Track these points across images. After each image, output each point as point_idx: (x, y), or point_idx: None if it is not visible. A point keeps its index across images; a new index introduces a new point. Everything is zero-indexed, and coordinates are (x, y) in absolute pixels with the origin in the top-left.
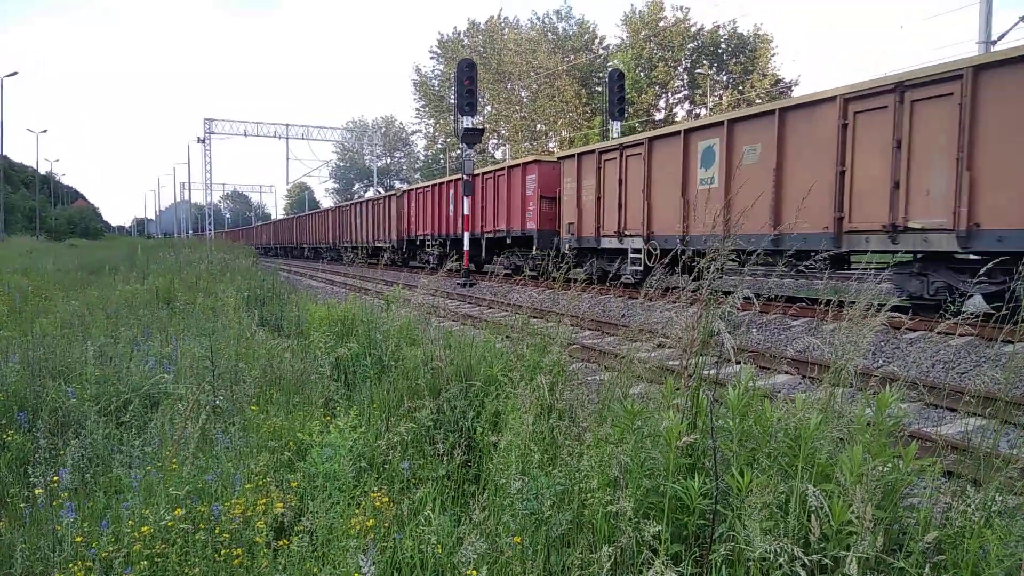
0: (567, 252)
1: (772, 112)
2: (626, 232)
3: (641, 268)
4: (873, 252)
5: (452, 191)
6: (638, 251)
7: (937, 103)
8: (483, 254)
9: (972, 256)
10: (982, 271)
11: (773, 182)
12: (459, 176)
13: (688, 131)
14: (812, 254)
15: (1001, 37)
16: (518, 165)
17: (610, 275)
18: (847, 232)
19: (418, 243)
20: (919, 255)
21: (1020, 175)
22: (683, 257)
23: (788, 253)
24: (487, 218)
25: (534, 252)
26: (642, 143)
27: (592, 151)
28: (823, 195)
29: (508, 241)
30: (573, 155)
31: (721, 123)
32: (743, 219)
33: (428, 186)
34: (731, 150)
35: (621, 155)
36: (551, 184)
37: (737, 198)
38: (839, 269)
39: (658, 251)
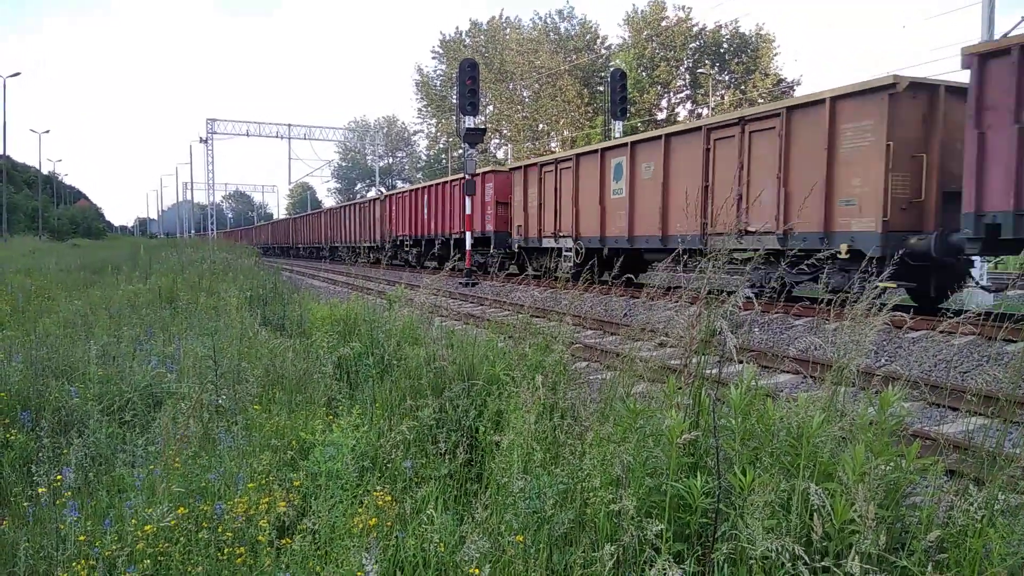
0: (516, 250)
1: (660, 137)
2: (560, 234)
3: (572, 264)
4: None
5: (426, 196)
6: (570, 249)
7: (766, 134)
8: (451, 252)
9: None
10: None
11: (661, 194)
12: (432, 183)
13: (604, 150)
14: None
15: (1006, 35)
16: (479, 174)
17: (552, 270)
18: (710, 234)
19: (399, 243)
20: (766, 252)
21: (808, 191)
22: (603, 255)
23: (673, 252)
24: (455, 221)
25: (491, 251)
26: (571, 159)
27: (535, 164)
28: (694, 206)
29: (471, 241)
30: (520, 167)
31: (626, 144)
32: (640, 224)
33: (407, 191)
34: (634, 167)
35: (556, 168)
36: (505, 191)
37: (638, 206)
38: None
39: (583, 250)
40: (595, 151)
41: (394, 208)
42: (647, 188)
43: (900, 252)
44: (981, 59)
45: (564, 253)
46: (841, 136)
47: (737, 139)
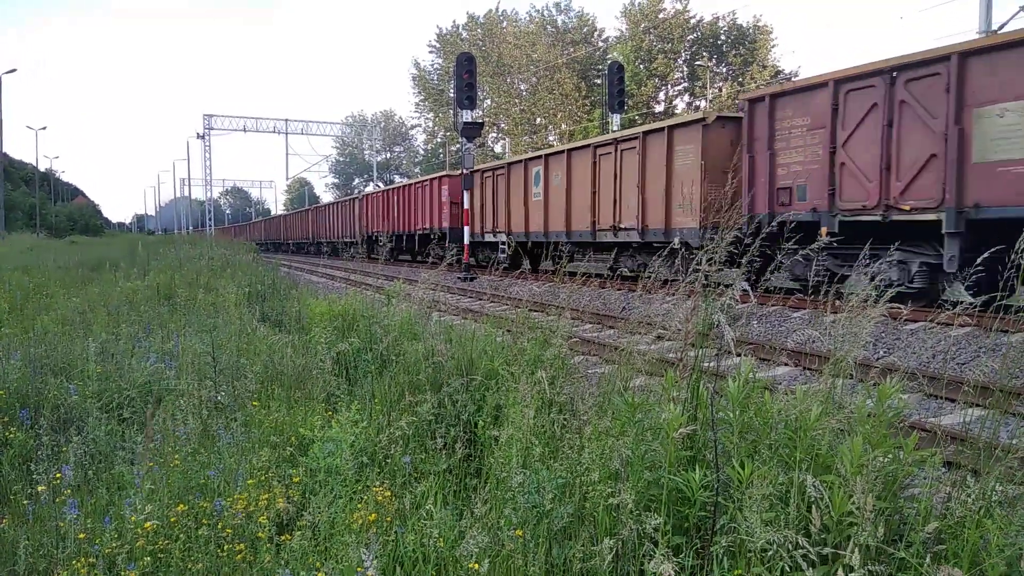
0: (466, 244)
1: (563, 152)
2: (497, 230)
3: (505, 255)
4: (608, 242)
5: (396, 196)
6: (504, 243)
7: (631, 153)
8: (416, 246)
9: (653, 243)
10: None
11: (565, 198)
12: (402, 184)
13: (527, 160)
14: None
15: (1001, 27)
16: (436, 178)
17: (493, 260)
18: (597, 230)
19: (374, 238)
20: (632, 244)
21: (658, 197)
22: (527, 247)
23: (576, 243)
24: (419, 218)
25: (447, 244)
26: (504, 167)
27: (478, 170)
28: (587, 207)
29: (432, 236)
30: (483, 168)
31: (541, 156)
32: (552, 222)
33: (380, 192)
34: (547, 175)
35: (494, 175)
36: (457, 193)
37: (551, 207)
38: (603, 253)
39: (514, 243)
40: (520, 161)
41: (369, 207)
42: (557, 193)
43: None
44: (750, 103)
45: (500, 246)
46: (675, 156)
47: (613, 156)
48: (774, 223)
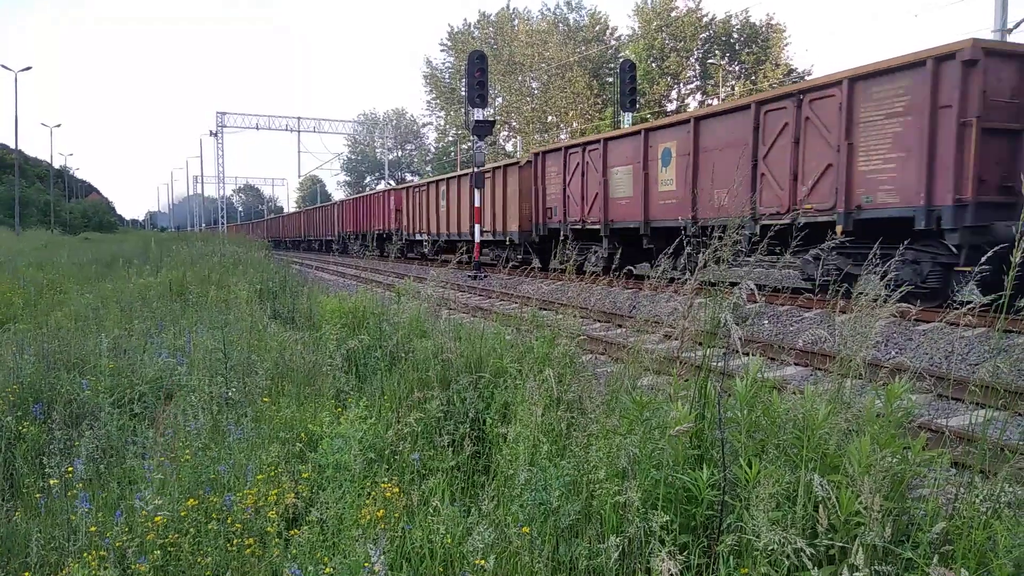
0: (404, 241)
1: (500, 167)
2: (420, 231)
3: (429, 249)
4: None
5: (364, 203)
6: (426, 241)
7: (490, 179)
8: (373, 243)
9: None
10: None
11: (447, 209)
12: (366, 194)
13: (435, 182)
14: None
15: (1017, 25)
16: (387, 191)
17: (424, 253)
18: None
19: (350, 237)
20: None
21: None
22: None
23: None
24: (376, 220)
25: (394, 241)
26: (425, 185)
27: (410, 187)
28: (466, 217)
29: (384, 235)
30: (404, 188)
31: (444, 180)
32: (449, 226)
33: (351, 199)
34: (448, 191)
35: (418, 190)
36: (400, 203)
37: (450, 213)
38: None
39: (439, 241)
40: (434, 182)
41: (348, 210)
42: (451, 203)
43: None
44: (536, 155)
45: (425, 243)
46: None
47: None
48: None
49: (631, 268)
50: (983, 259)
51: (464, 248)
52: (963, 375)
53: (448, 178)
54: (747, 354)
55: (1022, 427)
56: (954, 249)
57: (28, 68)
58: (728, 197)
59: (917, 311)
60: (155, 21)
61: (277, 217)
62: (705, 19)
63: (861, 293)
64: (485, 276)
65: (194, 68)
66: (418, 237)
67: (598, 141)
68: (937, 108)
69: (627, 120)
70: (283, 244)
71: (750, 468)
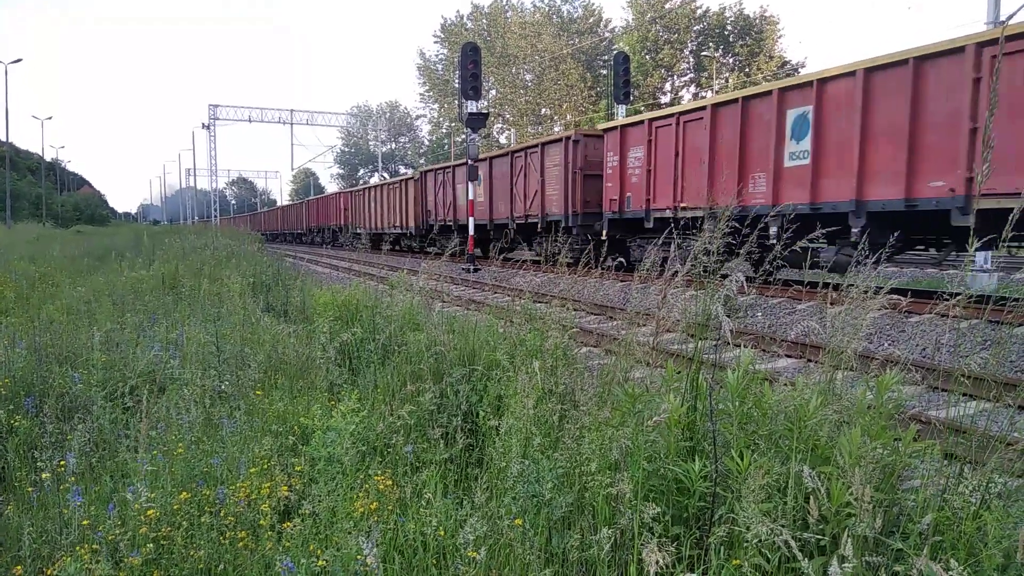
0: (351, 235)
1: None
2: (359, 226)
3: (367, 241)
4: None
5: (324, 203)
6: (366, 234)
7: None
8: (329, 235)
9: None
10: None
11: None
12: (329, 194)
13: (369, 188)
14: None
15: (1010, 17)
16: (338, 193)
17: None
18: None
19: (317, 230)
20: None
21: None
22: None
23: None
24: (332, 217)
25: (342, 235)
26: (363, 191)
27: (355, 190)
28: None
29: (337, 229)
30: (352, 191)
31: (388, 183)
32: (384, 221)
33: (315, 199)
34: (384, 194)
35: (364, 192)
36: (347, 202)
37: (384, 209)
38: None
39: (371, 234)
40: (368, 188)
41: (309, 208)
42: (379, 205)
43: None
44: (423, 174)
45: (362, 236)
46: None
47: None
48: None
49: (622, 261)
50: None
51: (391, 239)
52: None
53: (378, 185)
54: (738, 346)
55: (1013, 418)
56: (590, 236)
57: (19, 60)
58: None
59: (908, 302)
60: (148, 12)
61: (260, 212)
62: (699, 11)
63: (852, 285)
64: (478, 269)
65: (186, 61)
66: (358, 231)
67: (448, 168)
68: (567, 163)
69: (621, 113)
70: (290, 237)
71: (742, 460)
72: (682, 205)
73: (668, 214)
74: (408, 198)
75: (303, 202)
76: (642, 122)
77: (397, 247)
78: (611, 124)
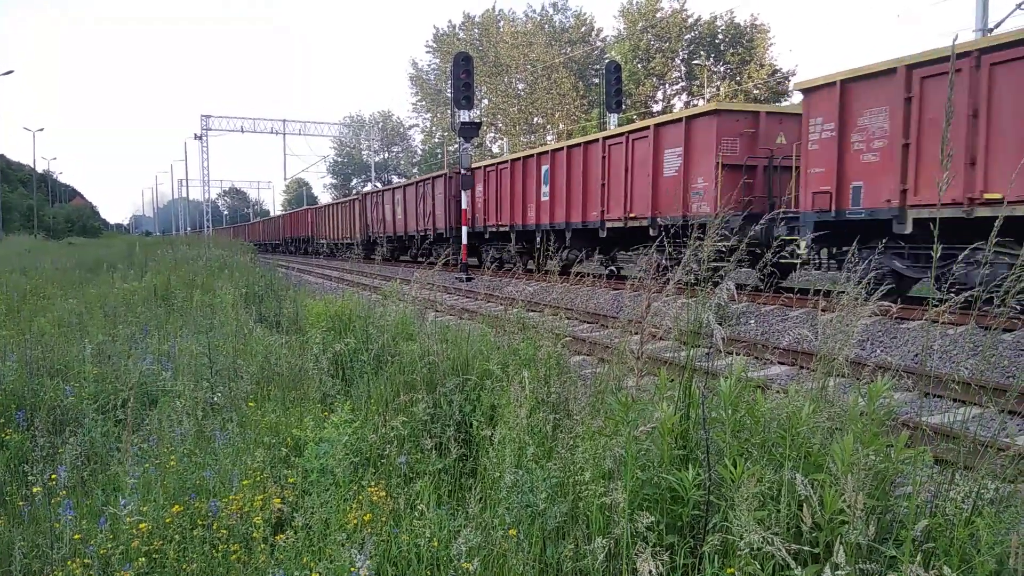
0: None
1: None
2: (321, 237)
3: (327, 249)
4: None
5: (296, 217)
6: (327, 244)
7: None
8: (300, 245)
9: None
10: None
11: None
12: (300, 209)
13: (336, 203)
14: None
15: (998, 24)
16: (306, 209)
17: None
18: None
19: (291, 240)
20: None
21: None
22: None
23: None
24: (301, 229)
25: (307, 244)
26: (327, 205)
27: (319, 207)
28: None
29: (306, 239)
30: (317, 208)
31: (340, 202)
32: (338, 232)
33: (289, 213)
34: (337, 212)
35: (325, 208)
36: (314, 217)
37: (337, 223)
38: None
39: (331, 244)
40: (327, 205)
41: (285, 221)
42: (334, 220)
43: None
44: (363, 195)
45: (325, 245)
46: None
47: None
48: None
49: (613, 269)
50: None
51: (344, 247)
52: (943, 372)
53: (333, 204)
54: (731, 353)
55: (1003, 423)
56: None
57: (10, 72)
58: None
59: (898, 308)
60: (140, 23)
61: (244, 224)
62: (690, 20)
63: (843, 292)
64: (472, 279)
65: (178, 72)
66: (322, 241)
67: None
68: (446, 191)
69: (613, 121)
70: (283, 248)
71: (735, 468)
72: (500, 223)
73: (497, 229)
74: (355, 215)
75: (279, 217)
76: (480, 167)
77: (299, 250)
78: (476, 165)
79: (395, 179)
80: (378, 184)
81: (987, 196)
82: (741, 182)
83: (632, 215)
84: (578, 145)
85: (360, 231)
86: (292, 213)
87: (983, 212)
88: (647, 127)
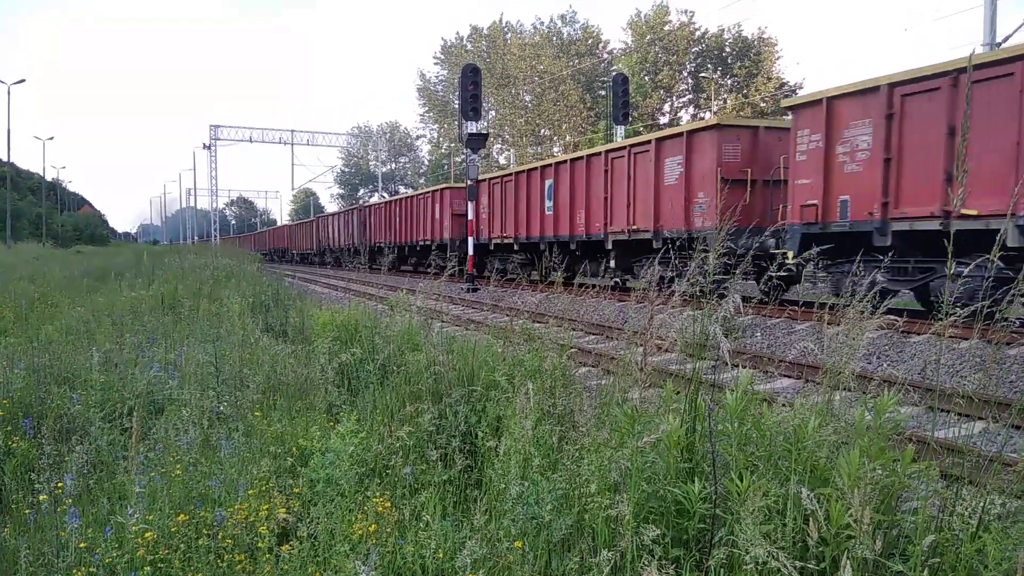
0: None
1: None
2: (306, 248)
3: (302, 256)
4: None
5: (280, 231)
6: (300, 254)
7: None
8: (284, 255)
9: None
10: None
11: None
12: (289, 223)
13: (322, 217)
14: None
15: (1007, 39)
16: (285, 225)
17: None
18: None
19: (275, 251)
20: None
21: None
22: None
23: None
24: (283, 241)
25: (290, 254)
26: (305, 221)
27: (299, 223)
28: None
29: (284, 250)
30: (298, 223)
31: (317, 217)
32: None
33: (275, 228)
34: (311, 225)
35: (303, 224)
36: (292, 231)
37: (330, 233)
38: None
39: (304, 254)
40: (304, 222)
41: (273, 234)
42: (308, 233)
43: None
44: (318, 218)
45: (298, 255)
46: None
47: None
48: None
49: (618, 280)
50: None
51: (305, 256)
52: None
53: (302, 222)
54: (736, 366)
55: (1009, 438)
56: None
57: (22, 81)
58: None
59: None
60: (151, 34)
61: (240, 235)
62: (698, 33)
63: (848, 306)
64: (477, 289)
65: (188, 82)
66: (294, 252)
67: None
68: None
69: (619, 133)
70: (289, 257)
71: (741, 481)
72: (505, 235)
73: (502, 240)
74: (313, 230)
75: (267, 230)
76: (485, 179)
77: (305, 260)
78: (480, 178)
79: (402, 189)
80: (385, 195)
81: (964, 211)
82: (744, 196)
83: (635, 227)
84: (581, 158)
85: (315, 244)
86: (276, 229)
87: (960, 226)
88: (649, 141)
